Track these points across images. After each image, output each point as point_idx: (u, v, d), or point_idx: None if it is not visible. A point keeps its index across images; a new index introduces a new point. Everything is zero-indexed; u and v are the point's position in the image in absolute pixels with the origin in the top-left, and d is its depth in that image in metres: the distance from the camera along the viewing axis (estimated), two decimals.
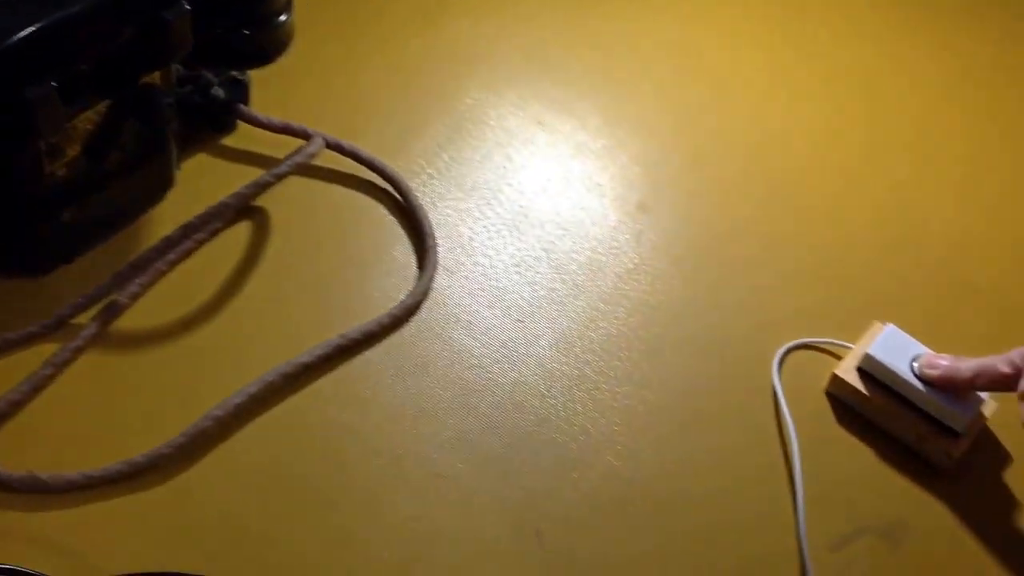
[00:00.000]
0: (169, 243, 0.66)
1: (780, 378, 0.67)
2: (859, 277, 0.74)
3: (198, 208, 0.68)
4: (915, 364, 0.65)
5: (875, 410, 0.66)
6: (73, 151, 0.62)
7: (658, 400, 0.66)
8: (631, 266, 0.72)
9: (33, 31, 0.56)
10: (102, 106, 0.62)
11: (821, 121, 0.83)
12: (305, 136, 0.73)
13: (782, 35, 0.90)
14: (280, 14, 0.67)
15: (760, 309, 0.71)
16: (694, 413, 0.66)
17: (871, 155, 0.82)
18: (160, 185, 0.70)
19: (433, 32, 0.83)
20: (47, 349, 0.63)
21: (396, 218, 0.73)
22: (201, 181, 0.72)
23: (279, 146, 0.73)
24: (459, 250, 0.71)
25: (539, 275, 0.71)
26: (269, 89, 0.76)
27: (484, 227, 0.73)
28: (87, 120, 0.62)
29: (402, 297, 0.68)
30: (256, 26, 0.66)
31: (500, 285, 0.70)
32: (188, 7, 0.60)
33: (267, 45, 0.68)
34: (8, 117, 0.56)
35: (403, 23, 0.84)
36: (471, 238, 0.72)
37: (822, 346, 0.69)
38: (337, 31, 0.81)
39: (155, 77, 0.64)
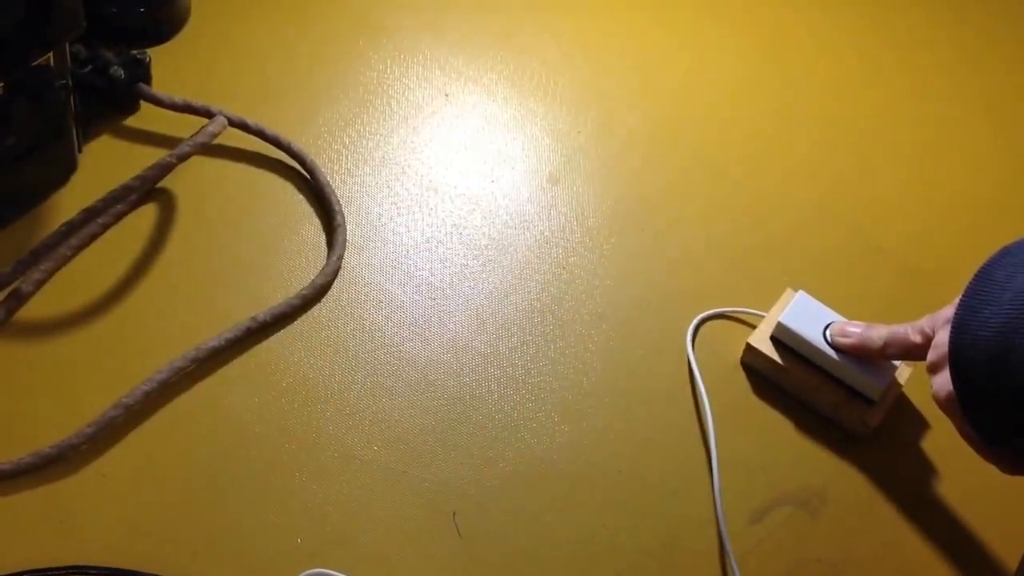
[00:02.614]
0: (71, 228, 0.65)
1: (694, 349, 0.68)
2: (771, 244, 0.75)
3: (102, 192, 0.67)
4: (828, 332, 0.66)
5: (790, 379, 0.67)
6: None
7: (572, 375, 0.67)
8: (543, 240, 0.73)
9: None
10: None
11: (731, 85, 0.84)
12: (208, 115, 0.73)
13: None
14: None
15: (673, 280, 0.72)
16: (609, 387, 0.67)
17: (782, 121, 0.83)
18: (62, 169, 0.70)
19: (336, 5, 0.83)
20: None
21: (304, 196, 0.73)
22: (105, 164, 0.71)
23: (184, 126, 0.72)
24: (369, 227, 0.72)
25: (450, 251, 0.72)
26: (171, 68, 0.75)
27: (393, 203, 0.73)
28: None
29: (312, 277, 0.69)
30: (150, 3, 0.66)
31: (411, 262, 0.71)
32: None
33: (162, 22, 0.68)
34: None
35: (306, 4, 0.83)
36: (380, 215, 0.73)
37: (735, 315, 0.71)
38: (239, 7, 0.81)
39: (49, 59, 0.63)
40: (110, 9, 0.63)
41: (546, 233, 0.74)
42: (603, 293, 0.71)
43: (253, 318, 0.66)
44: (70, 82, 0.63)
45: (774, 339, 0.67)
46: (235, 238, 0.70)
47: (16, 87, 0.61)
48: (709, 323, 0.70)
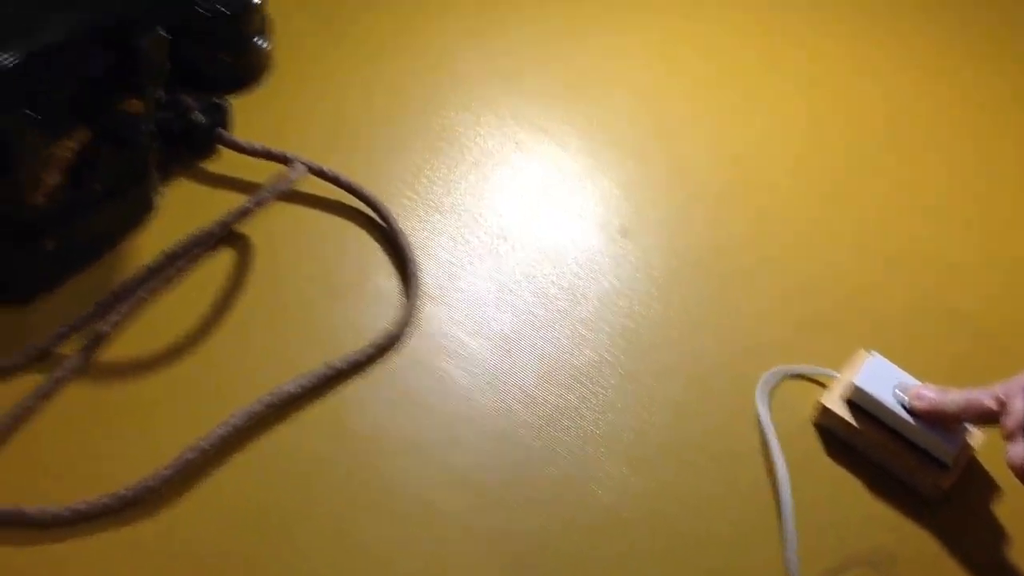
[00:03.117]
0: (151, 272, 0.67)
1: (765, 405, 0.69)
2: (844, 301, 0.76)
3: (179, 234, 0.69)
4: (901, 394, 0.67)
5: (863, 441, 0.67)
6: (54, 179, 0.63)
7: (641, 427, 0.68)
8: (613, 291, 0.74)
9: (10, 61, 0.57)
10: (81, 133, 0.63)
11: (800, 140, 0.85)
12: (285, 161, 0.75)
13: (759, 50, 0.92)
14: (255, 38, 0.68)
15: (743, 334, 0.73)
16: (678, 440, 0.67)
17: (852, 177, 0.84)
18: (141, 211, 0.71)
19: (410, 53, 0.85)
20: (31, 380, 0.64)
21: (379, 243, 0.74)
22: (182, 207, 0.73)
23: (260, 171, 0.74)
24: (442, 276, 0.73)
25: (521, 301, 0.73)
26: (248, 112, 0.77)
27: (466, 252, 0.74)
28: (67, 148, 0.63)
29: (387, 325, 0.70)
30: (233, 51, 0.67)
31: (483, 311, 0.72)
32: (164, 34, 0.62)
33: (244, 70, 0.69)
34: None
35: (381, 45, 0.85)
36: (452, 263, 0.74)
37: (807, 374, 0.71)
38: (315, 53, 0.83)
39: (134, 103, 0.65)
40: (194, 56, 0.65)
41: (616, 284, 0.74)
42: (673, 346, 0.72)
43: (328, 365, 0.67)
44: (154, 127, 0.65)
45: (848, 400, 0.68)
46: (310, 284, 0.71)
47: (102, 132, 0.63)
48: (780, 380, 0.70)
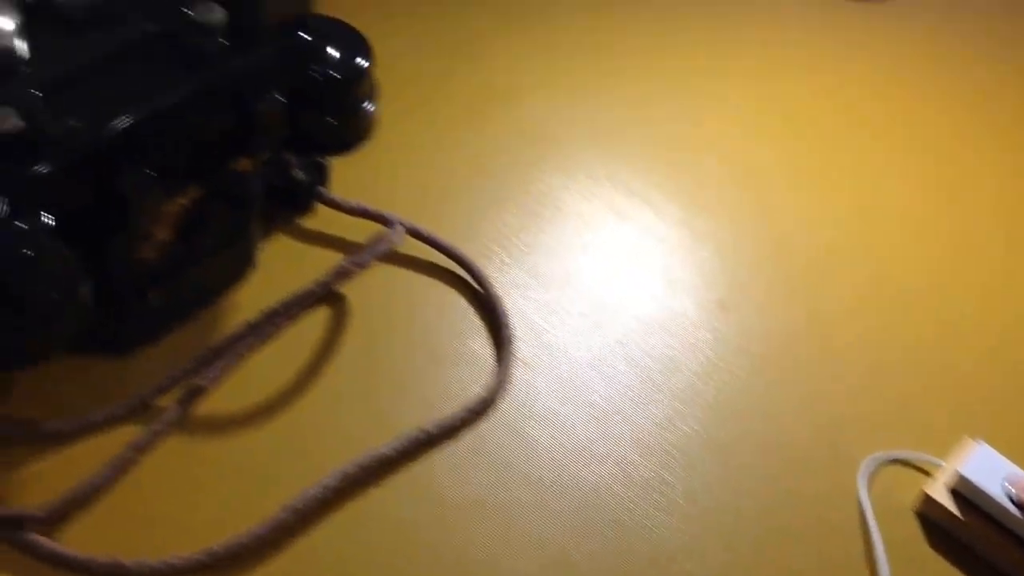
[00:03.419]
0: (252, 328, 0.68)
1: (866, 492, 0.68)
2: (950, 385, 0.75)
3: (277, 289, 0.70)
4: (1010, 487, 0.66)
5: (968, 533, 0.66)
6: (164, 235, 0.65)
7: (735, 504, 0.67)
8: (709, 364, 0.74)
9: (132, 121, 0.59)
10: (193, 191, 0.64)
11: (907, 208, 0.84)
12: (382, 220, 0.76)
13: (861, 117, 0.92)
14: (365, 103, 0.69)
15: (843, 411, 0.72)
16: (773, 520, 0.67)
17: (959, 253, 0.83)
18: (242, 266, 0.73)
19: (505, 114, 0.86)
20: (129, 431, 0.65)
21: (473, 306, 0.75)
22: (281, 263, 0.74)
23: (357, 230, 0.75)
24: (536, 342, 0.73)
25: (616, 371, 0.73)
26: (345, 170, 0.78)
27: (560, 319, 0.75)
28: (178, 205, 0.64)
29: (479, 390, 0.70)
30: (341, 115, 0.69)
31: (577, 380, 0.72)
32: (280, 98, 0.63)
33: (351, 134, 0.70)
34: (107, 204, 0.59)
35: (476, 106, 0.86)
36: (546, 329, 0.74)
37: (911, 460, 0.70)
38: (411, 114, 0.84)
39: (245, 163, 0.66)
40: (302, 118, 0.66)
41: (712, 357, 0.74)
42: (771, 422, 0.71)
43: (421, 429, 0.67)
44: (263, 186, 0.66)
45: (952, 490, 0.67)
46: (404, 346, 0.72)
47: (214, 191, 0.64)
48: (882, 464, 0.70)
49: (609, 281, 0.77)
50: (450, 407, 0.69)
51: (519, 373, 0.71)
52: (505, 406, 0.70)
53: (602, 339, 0.74)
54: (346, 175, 0.78)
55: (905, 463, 0.70)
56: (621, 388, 0.72)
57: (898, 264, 0.81)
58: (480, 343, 0.72)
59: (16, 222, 0.55)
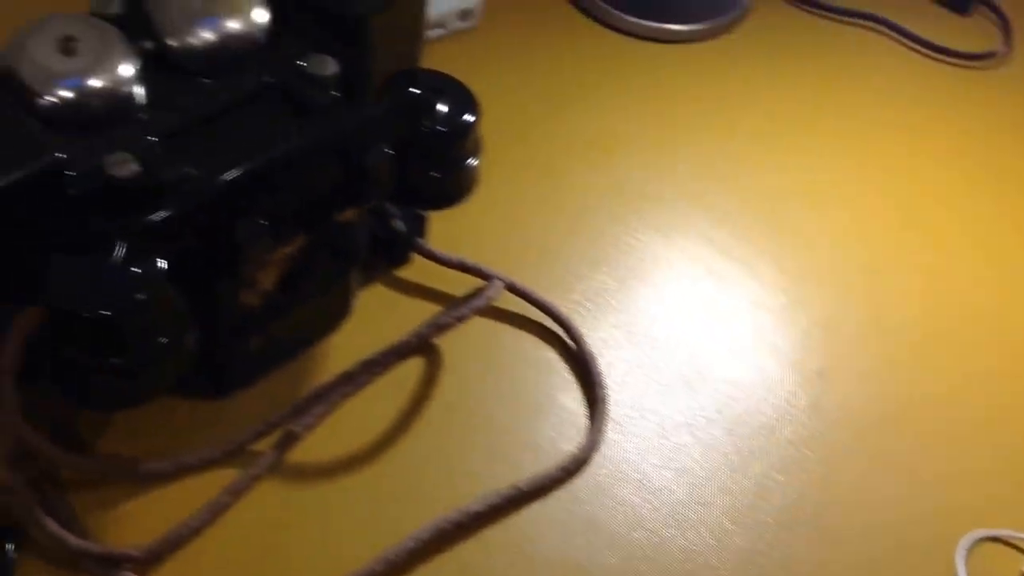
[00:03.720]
0: (348, 378, 0.69)
1: (964, 570, 0.67)
2: None
3: (371, 338, 0.71)
4: None
5: None
6: (267, 283, 0.66)
7: None
8: (808, 436, 0.73)
9: (246, 171, 0.60)
10: (299, 241, 0.66)
11: (1015, 282, 0.83)
12: (479, 274, 0.76)
13: (969, 186, 0.91)
14: (470, 158, 0.70)
15: (945, 490, 0.71)
16: None
17: None
18: (338, 315, 0.74)
19: (604, 170, 0.86)
20: (225, 475, 0.66)
21: (567, 363, 0.75)
22: (376, 313, 0.75)
23: (452, 282, 0.76)
24: (629, 401, 0.73)
25: (711, 436, 0.73)
26: (443, 222, 0.79)
27: (655, 379, 0.75)
28: (284, 254, 0.65)
29: (571, 448, 0.70)
30: (446, 170, 0.70)
31: (671, 444, 0.72)
32: (389, 151, 0.64)
33: (455, 188, 0.71)
34: (219, 250, 0.60)
35: (573, 162, 0.86)
36: (641, 390, 0.74)
37: (1011, 539, 0.69)
38: (511, 169, 0.85)
39: (350, 214, 0.68)
40: (406, 171, 0.67)
41: (810, 429, 0.74)
42: (870, 498, 0.70)
43: (514, 486, 0.67)
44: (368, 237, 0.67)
45: None
46: (497, 400, 0.72)
47: (319, 241, 0.66)
48: (981, 544, 0.69)
49: (705, 344, 0.77)
50: (542, 464, 0.69)
51: (612, 432, 0.71)
52: (597, 465, 0.70)
53: (697, 402, 0.74)
54: (444, 227, 0.79)
55: (1005, 542, 0.69)
56: (716, 454, 0.71)
57: (1012, 347, 0.80)
58: (573, 400, 0.73)
59: (131, 267, 0.56)
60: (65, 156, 0.58)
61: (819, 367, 0.77)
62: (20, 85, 0.61)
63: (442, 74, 0.69)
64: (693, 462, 0.71)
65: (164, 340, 0.58)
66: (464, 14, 0.92)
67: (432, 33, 0.91)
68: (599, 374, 0.74)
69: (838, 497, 0.70)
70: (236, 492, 0.65)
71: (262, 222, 0.60)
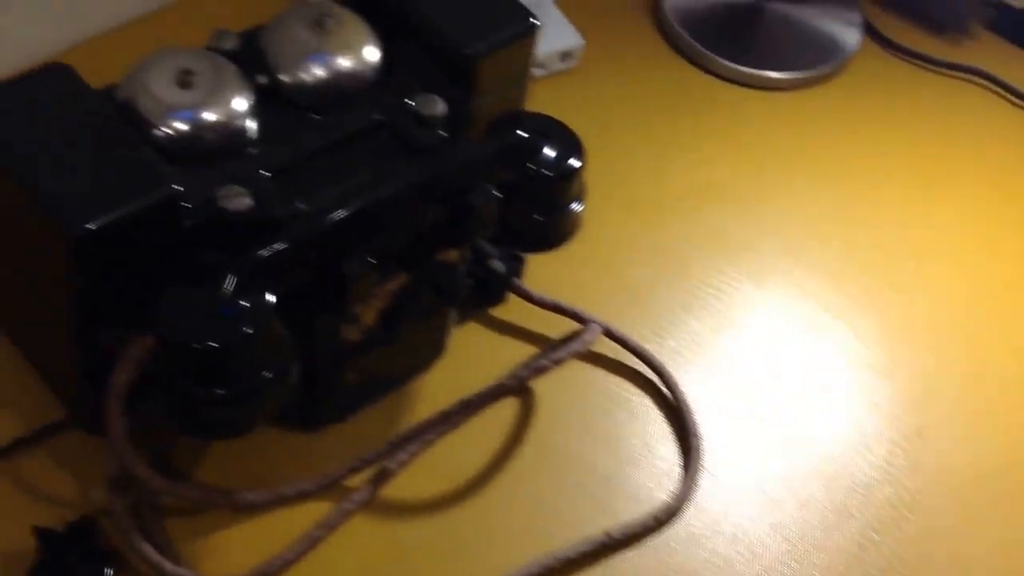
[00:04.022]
0: (445, 417, 0.69)
1: None
2: None
3: (464, 377, 0.72)
4: None
5: None
6: (368, 318, 0.67)
7: None
8: (907, 496, 0.73)
9: (355, 208, 0.61)
10: (401, 278, 0.66)
11: None
12: (575, 317, 0.77)
13: None
14: (574, 203, 0.71)
15: None
16: None
17: None
18: (433, 353, 0.74)
19: (699, 218, 0.86)
20: (318, 508, 0.67)
21: (661, 411, 0.75)
22: (470, 352, 0.75)
23: (546, 323, 0.76)
24: (724, 453, 0.73)
25: (808, 492, 0.72)
26: (541, 263, 0.79)
27: (750, 432, 0.74)
28: (386, 291, 0.66)
29: (665, 498, 0.70)
30: (550, 213, 0.70)
31: (766, 497, 0.71)
32: (497, 193, 0.65)
33: (556, 232, 0.72)
34: (325, 285, 0.61)
35: (670, 208, 0.86)
36: (737, 442, 0.74)
37: None
38: (611, 214, 0.85)
39: (452, 253, 0.68)
40: (509, 213, 0.68)
41: (910, 489, 0.73)
42: (964, 559, 0.70)
43: (606, 533, 0.67)
44: (471, 281, 0.68)
45: None
46: (590, 445, 0.72)
47: (421, 279, 0.66)
48: None
49: (802, 398, 0.77)
50: (634, 512, 0.69)
51: (706, 483, 0.71)
52: (690, 516, 0.70)
53: (792, 457, 0.73)
54: (539, 268, 0.79)
55: None
56: (812, 510, 0.71)
57: None
58: (667, 449, 0.73)
59: (240, 299, 0.57)
60: (181, 188, 0.59)
61: (918, 425, 0.77)
62: (137, 116, 0.63)
63: (549, 117, 0.70)
64: (788, 518, 0.70)
65: (269, 374, 0.59)
66: (565, 55, 0.93)
67: (532, 73, 0.92)
68: (694, 423, 0.73)
69: (937, 557, 0.70)
70: (329, 526, 0.66)
71: (369, 259, 0.61)
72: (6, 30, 0.81)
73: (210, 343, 0.57)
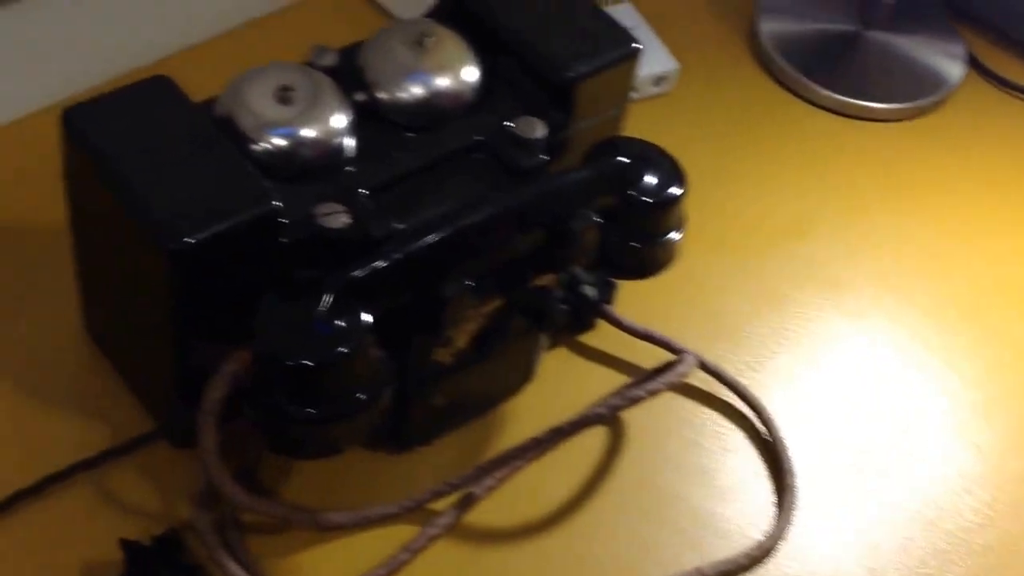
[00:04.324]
0: (534, 443, 0.69)
1: None
2: None
3: (553, 404, 0.71)
4: None
5: None
6: (461, 341, 0.66)
7: None
8: (1009, 541, 0.71)
9: (453, 229, 0.61)
10: (496, 302, 0.66)
11: None
12: (667, 347, 0.76)
13: None
14: (673, 232, 0.70)
15: None
16: None
17: None
18: (522, 377, 0.74)
19: (795, 251, 0.84)
20: (402, 531, 0.66)
21: (755, 447, 0.74)
22: (558, 377, 0.75)
23: (636, 351, 0.75)
24: (820, 492, 0.71)
25: (907, 536, 0.70)
26: (633, 290, 0.78)
27: (847, 471, 0.73)
28: (481, 314, 0.66)
29: (758, 536, 0.69)
30: (648, 241, 0.70)
31: (864, 540, 0.70)
32: (598, 219, 0.64)
33: (653, 260, 0.71)
34: (421, 306, 0.61)
35: (765, 240, 0.85)
36: (835, 481, 0.72)
37: None
38: (699, 240, 0.83)
39: (548, 278, 0.68)
40: (608, 240, 0.67)
41: (1013, 535, 0.71)
42: None
43: (698, 570, 0.66)
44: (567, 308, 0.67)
45: None
46: (682, 479, 0.71)
47: (516, 303, 0.66)
48: None
49: (900, 438, 0.75)
50: (727, 549, 0.68)
51: (801, 523, 0.70)
52: (784, 555, 0.68)
53: (890, 498, 0.72)
54: (632, 296, 0.78)
55: None
56: (911, 555, 0.69)
57: None
58: (761, 486, 0.71)
59: (336, 318, 0.57)
60: (281, 204, 0.59)
61: (1022, 470, 0.74)
62: (235, 130, 0.63)
63: (650, 143, 0.69)
64: (886, 561, 0.69)
65: (362, 395, 0.59)
66: (659, 79, 0.92)
67: None
68: (790, 460, 0.72)
69: None
70: (413, 550, 0.65)
71: (467, 281, 0.60)
72: (108, 37, 0.82)
73: (304, 361, 0.56)
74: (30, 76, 0.79)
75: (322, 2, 0.92)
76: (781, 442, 0.72)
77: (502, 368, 0.71)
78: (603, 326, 0.77)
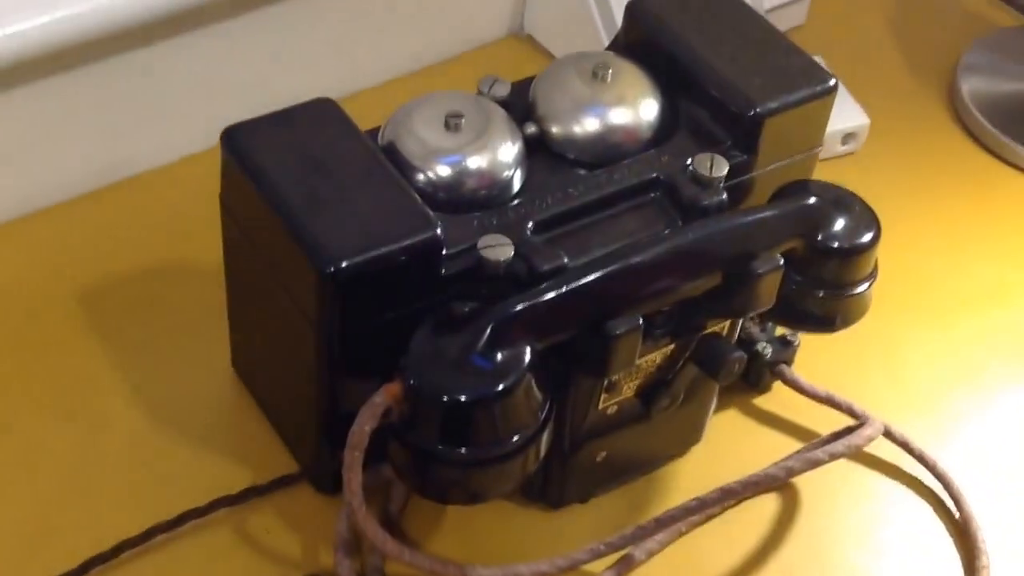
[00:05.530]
0: (700, 505, 0.64)
1: None
2: None
3: (720, 468, 0.67)
4: None
5: None
6: (628, 390, 0.63)
7: None
8: None
9: (623, 265, 0.58)
10: (667, 350, 0.62)
11: None
12: (850, 413, 0.71)
13: None
14: (863, 283, 0.65)
15: None
16: None
17: None
18: (690, 438, 0.70)
19: (996, 321, 0.79)
20: None
21: (944, 525, 0.68)
22: (729, 438, 0.70)
23: (811, 416, 0.71)
24: (1014, 574, 0.65)
25: None
26: (812, 348, 0.73)
27: None
28: (648, 361, 0.62)
29: None
30: (835, 291, 0.65)
31: None
32: (780, 262, 0.60)
33: (840, 313, 0.66)
34: (588, 347, 0.57)
35: (963, 307, 0.80)
36: None
37: None
38: (889, 302, 0.77)
39: (722, 327, 0.64)
40: (790, 288, 0.63)
41: None
42: None
43: None
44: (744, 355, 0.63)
45: None
46: (862, 554, 0.67)
47: (689, 352, 0.62)
48: None
49: None
50: None
51: None
52: None
53: None
54: (810, 358, 0.73)
55: None
56: None
57: None
58: (951, 568, 0.66)
59: (495, 353, 0.54)
60: (444, 233, 0.57)
61: None
62: (400, 157, 0.62)
63: (841, 188, 0.65)
64: None
65: (518, 438, 0.55)
66: (847, 137, 0.88)
67: None
68: (982, 541, 0.66)
69: None
70: None
71: (638, 321, 0.57)
72: (276, 80, 0.82)
73: (458, 397, 0.54)
74: (196, 116, 0.79)
75: (497, 49, 0.92)
76: (973, 522, 0.67)
77: (670, 426, 0.67)
78: (777, 389, 0.73)
